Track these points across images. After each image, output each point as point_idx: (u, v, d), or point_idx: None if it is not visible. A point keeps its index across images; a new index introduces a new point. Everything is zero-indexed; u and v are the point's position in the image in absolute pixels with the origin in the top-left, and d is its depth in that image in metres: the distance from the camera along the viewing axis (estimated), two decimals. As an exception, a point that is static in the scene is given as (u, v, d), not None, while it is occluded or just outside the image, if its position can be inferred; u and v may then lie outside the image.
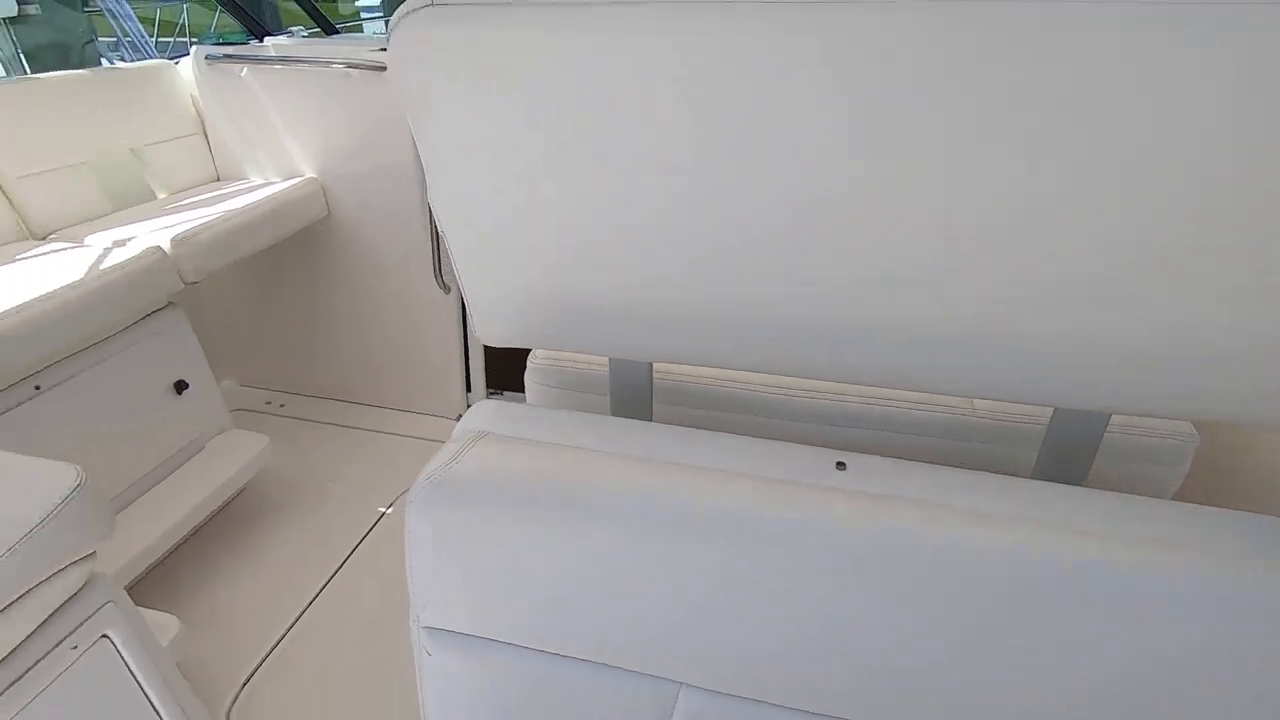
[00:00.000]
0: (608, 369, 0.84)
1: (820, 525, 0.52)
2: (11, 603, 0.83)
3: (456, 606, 0.63)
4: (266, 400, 2.52)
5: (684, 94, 0.50)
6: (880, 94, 0.46)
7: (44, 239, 1.81)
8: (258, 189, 2.14)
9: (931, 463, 0.62)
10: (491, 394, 2.47)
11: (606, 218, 0.58)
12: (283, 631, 1.64)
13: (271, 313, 2.43)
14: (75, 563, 0.90)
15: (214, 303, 2.47)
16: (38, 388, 1.46)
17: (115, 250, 1.66)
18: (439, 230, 0.67)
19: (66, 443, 1.52)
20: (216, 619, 1.67)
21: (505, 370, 2.49)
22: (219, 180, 2.32)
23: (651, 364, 0.74)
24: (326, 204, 2.23)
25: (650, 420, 0.76)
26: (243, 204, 1.97)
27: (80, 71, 1.97)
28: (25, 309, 1.38)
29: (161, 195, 2.18)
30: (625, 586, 0.57)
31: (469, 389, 2.43)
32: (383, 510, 2.02)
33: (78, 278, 1.51)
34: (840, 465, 0.59)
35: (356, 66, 2.00)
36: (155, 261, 1.66)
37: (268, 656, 1.57)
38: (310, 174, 2.22)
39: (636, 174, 0.55)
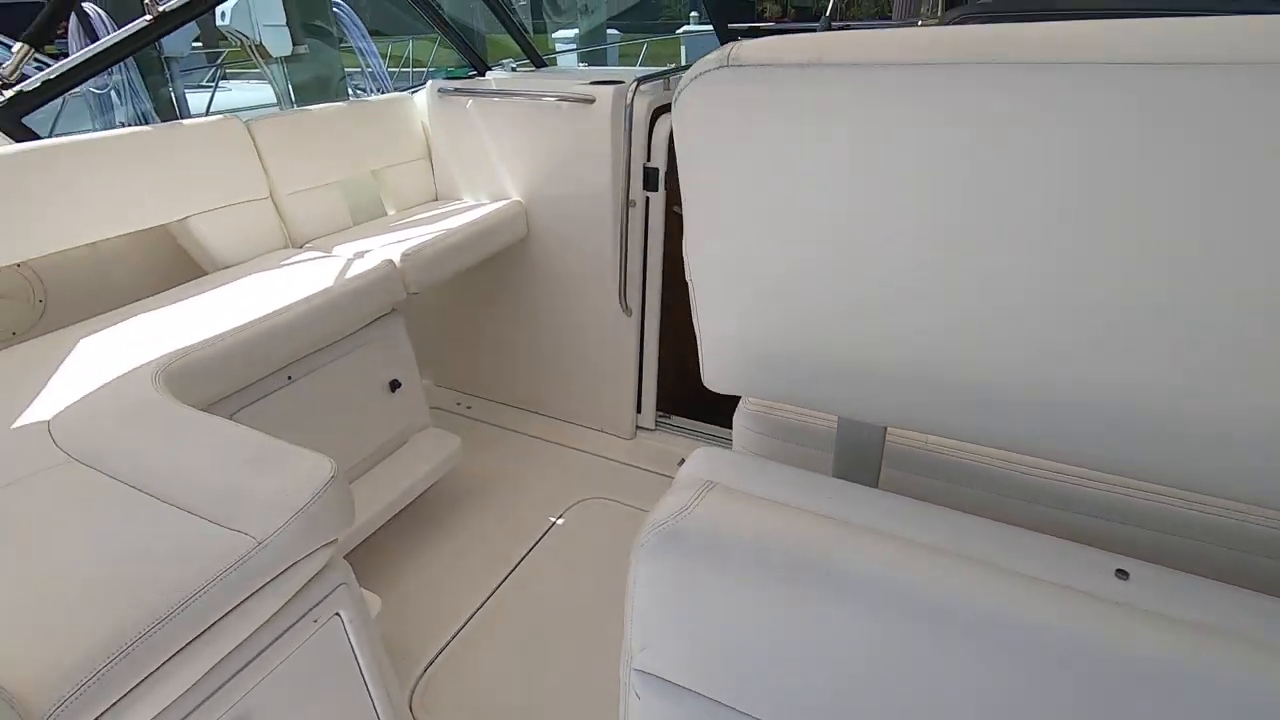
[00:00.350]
0: (830, 424, 0.81)
1: (1110, 644, 0.46)
2: (277, 575, 0.96)
3: (673, 656, 0.63)
4: (456, 400, 2.74)
5: (955, 158, 0.48)
6: (1174, 160, 0.41)
7: (301, 247, 2.11)
8: (470, 209, 2.35)
9: (1233, 582, 0.53)
10: (660, 418, 2.51)
11: (867, 276, 0.56)
12: (461, 623, 1.76)
13: (467, 320, 2.65)
14: (325, 545, 1.03)
15: (419, 308, 2.74)
16: (290, 378, 1.69)
17: (356, 261, 1.89)
18: (690, 277, 0.68)
19: (307, 428, 1.75)
20: (405, 602, 1.83)
21: (675, 396, 2.53)
22: (437, 199, 2.58)
23: (885, 428, 0.71)
24: (527, 225, 2.40)
25: (876, 486, 0.72)
26: (458, 223, 2.16)
27: (339, 104, 2.27)
28: (290, 309, 1.61)
29: (391, 212, 2.46)
30: (861, 671, 0.54)
31: (639, 409, 2.48)
32: (553, 520, 2.12)
33: (328, 284, 1.73)
34: (1121, 573, 0.52)
35: (567, 100, 2.13)
36: (387, 274, 1.86)
37: (448, 644, 1.70)
38: (515, 197, 2.40)
39: (898, 234, 0.53)
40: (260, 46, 4.27)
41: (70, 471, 1.08)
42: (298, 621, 1.04)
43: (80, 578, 0.88)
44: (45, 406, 1.29)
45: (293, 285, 1.75)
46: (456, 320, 2.68)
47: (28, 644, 0.79)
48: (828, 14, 2.86)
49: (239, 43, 4.36)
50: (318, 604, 1.06)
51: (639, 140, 2.14)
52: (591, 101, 2.11)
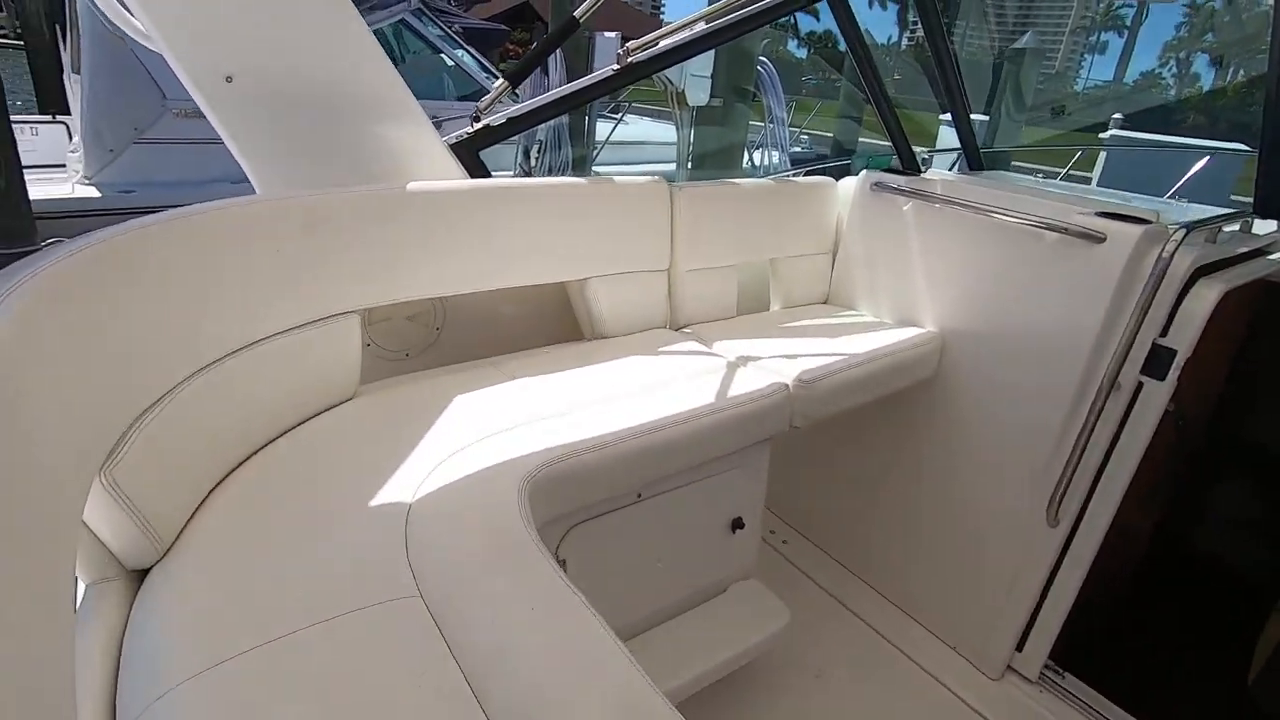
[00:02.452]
0: None
1: None
2: None
3: None
4: (772, 528, 2.32)
5: None
6: None
7: (680, 329, 1.87)
8: (870, 329, 1.92)
9: None
10: (1048, 669, 1.80)
11: None
12: None
13: (825, 451, 2.21)
14: None
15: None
16: (639, 496, 1.41)
17: (742, 371, 1.57)
18: None
19: (635, 553, 1.45)
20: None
21: (1078, 646, 1.79)
22: (828, 303, 2.20)
23: None
24: (938, 364, 1.89)
25: None
26: (859, 347, 1.74)
27: (764, 181, 2.01)
28: (672, 425, 1.32)
29: (776, 306, 2.14)
30: None
31: (1020, 647, 1.80)
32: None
33: (711, 399, 1.42)
34: None
35: (1059, 229, 1.58)
36: (779, 402, 1.50)
37: None
38: (930, 327, 1.90)
39: None
40: (682, 95, 4.43)
41: (415, 618, 0.86)
42: None
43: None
44: (409, 480, 1.13)
45: (675, 386, 1.48)
46: (816, 448, 2.25)
47: None
48: None
49: (663, 85, 4.59)
50: None
51: (1161, 306, 1.51)
52: (1100, 240, 1.54)
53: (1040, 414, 1.67)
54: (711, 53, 4.36)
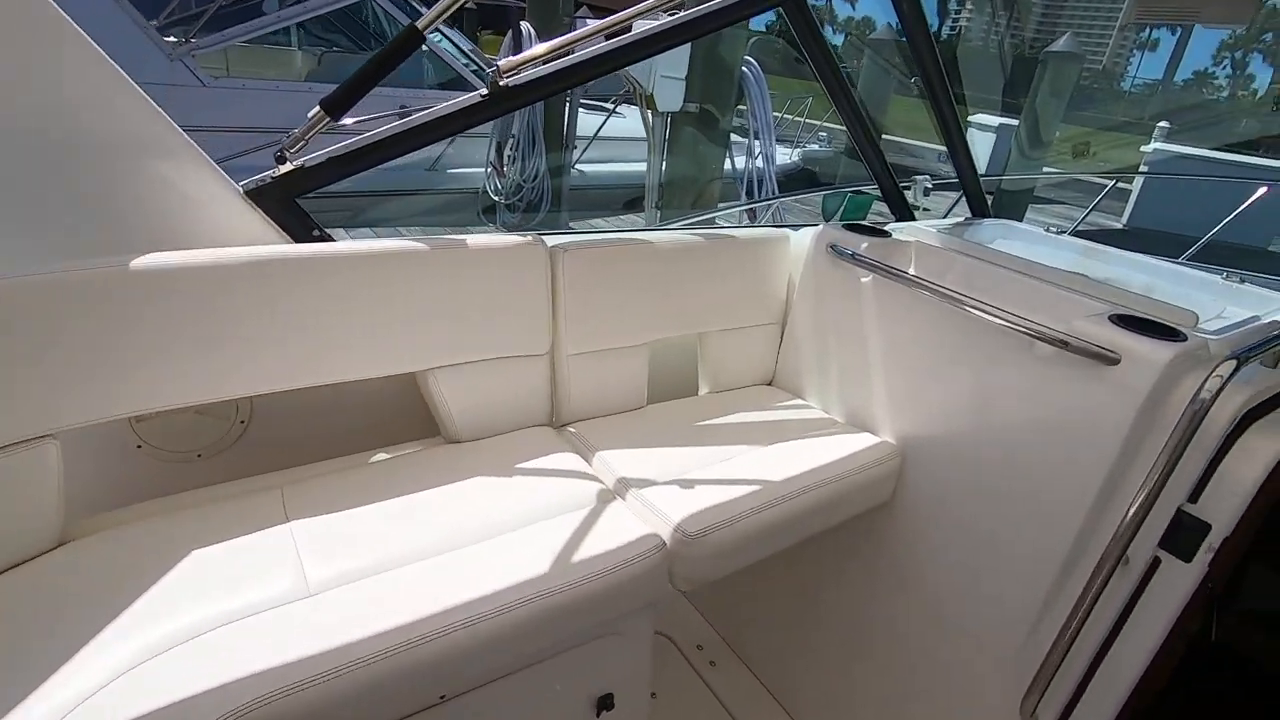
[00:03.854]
0: None
1: None
2: None
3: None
4: (700, 641, 1.91)
5: None
6: None
7: (561, 429, 1.47)
8: (813, 431, 1.50)
9: None
10: None
11: None
12: None
13: (766, 565, 1.80)
14: None
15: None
16: (443, 697, 1.02)
17: (612, 512, 1.17)
18: None
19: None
20: None
21: None
22: (772, 385, 1.78)
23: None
24: (896, 486, 1.47)
25: None
26: (792, 470, 1.33)
27: (683, 236, 1.59)
28: (481, 618, 0.94)
29: (704, 390, 1.73)
30: None
31: None
32: None
33: (553, 570, 1.03)
34: None
35: (1053, 341, 1.15)
36: (650, 566, 1.10)
37: None
38: (888, 436, 1.48)
39: None
40: (650, 98, 3.93)
41: None
42: None
43: None
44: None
45: (515, 538, 1.10)
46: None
47: None
48: None
49: (630, 87, 4.09)
50: None
51: (1193, 461, 1.08)
52: (1113, 362, 1.11)
53: (1021, 576, 1.25)
54: (686, 50, 3.86)
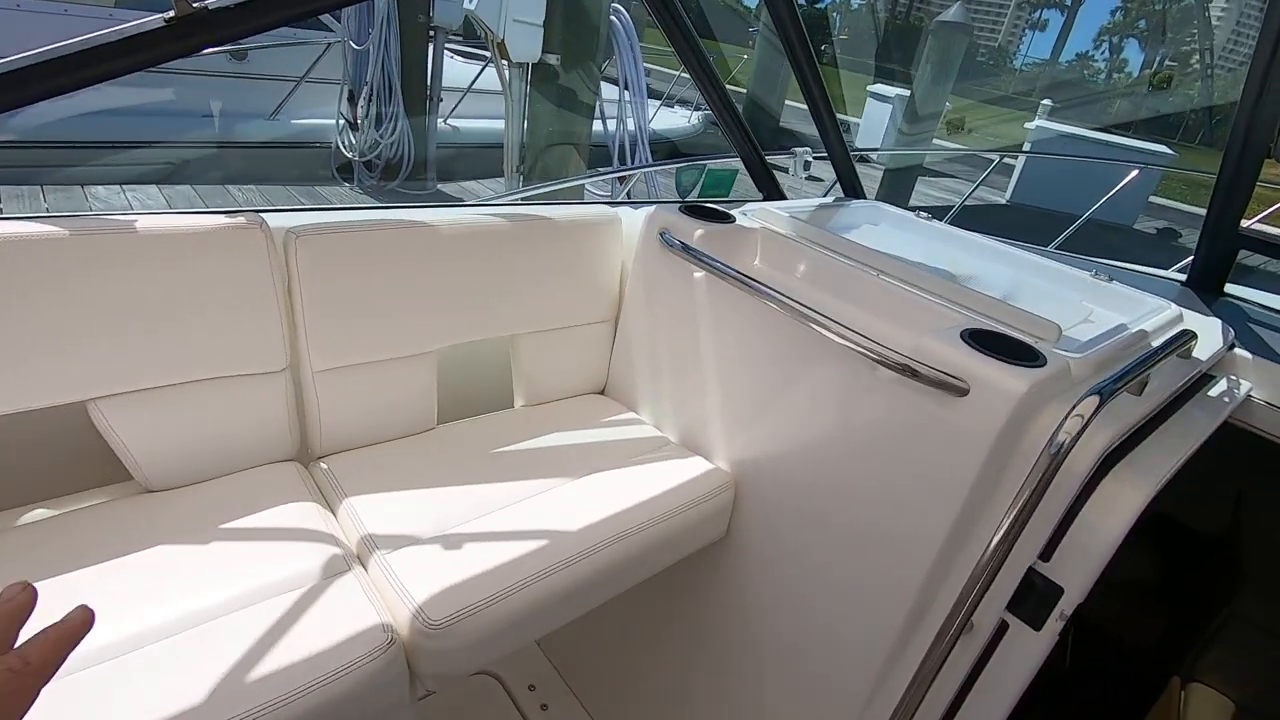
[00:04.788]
0: None
1: None
2: None
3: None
4: (544, 703, 1.64)
5: None
6: None
7: (319, 459, 1.15)
8: (636, 458, 1.26)
9: None
10: None
11: None
12: None
13: (603, 620, 1.56)
14: None
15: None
16: None
17: (335, 595, 0.88)
18: None
19: None
20: None
21: None
22: (604, 394, 1.52)
23: None
24: (729, 522, 1.25)
25: None
26: (596, 515, 1.08)
27: (494, 217, 1.28)
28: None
29: (519, 404, 1.44)
30: None
31: None
32: None
33: (294, 640, 0.74)
34: None
35: (896, 367, 0.94)
36: (375, 669, 0.82)
37: None
38: (721, 463, 1.26)
39: None
40: (503, 45, 3.43)
41: None
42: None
43: None
44: None
45: (227, 624, 0.79)
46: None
47: None
48: None
49: (481, 33, 3.57)
50: None
51: (1050, 510, 0.90)
52: (963, 392, 0.91)
53: (866, 623, 1.06)
54: (544, -8, 3.42)
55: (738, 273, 1.12)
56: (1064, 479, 0.88)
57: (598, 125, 4.01)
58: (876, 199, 1.85)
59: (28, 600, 0.35)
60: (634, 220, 1.40)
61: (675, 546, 1.18)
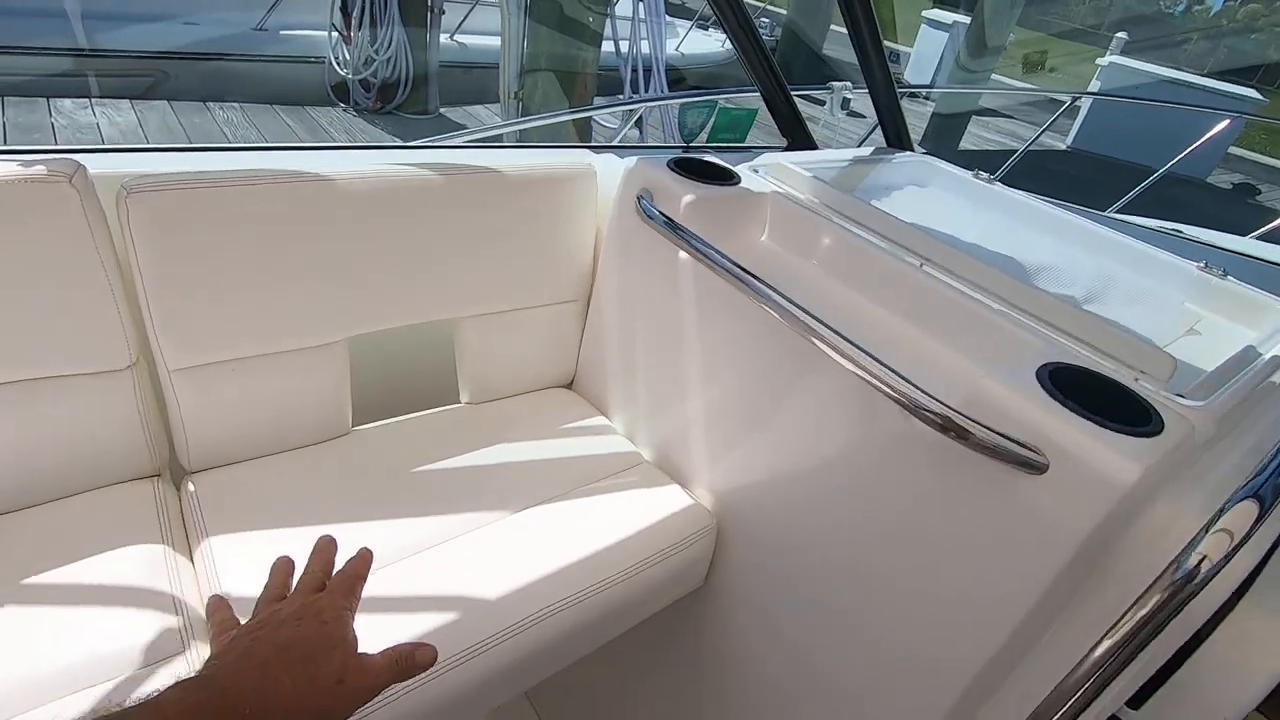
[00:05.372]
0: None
1: None
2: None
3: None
4: None
5: None
6: None
7: (192, 474, 0.91)
8: (609, 478, 1.00)
9: None
10: None
11: None
12: None
13: (580, 678, 1.34)
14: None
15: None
16: None
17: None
18: None
19: None
20: None
21: None
22: (572, 388, 1.25)
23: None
24: (709, 571, 1.00)
25: None
26: (522, 578, 0.84)
27: (425, 167, 0.98)
28: None
29: (464, 399, 1.18)
30: None
31: None
32: None
33: None
34: None
35: (939, 424, 0.65)
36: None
37: None
38: (702, 498, 1.00)
39: None
40: None
41: None
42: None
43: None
44: None
45: None
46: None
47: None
48: None
49: None
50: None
51: (1154, 649, 0.62)
52: (1038, 470, 0.62)
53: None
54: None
55: (731, 263, 0.83)
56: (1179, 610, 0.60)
57: (610, 46, 3.53)
58: (922, 141, 1.50)
59: (335, 549, 0.57)
60: (613, 173, 1.09)
61: (643, 605, 0.94)
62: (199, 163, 0.84)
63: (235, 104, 4.21)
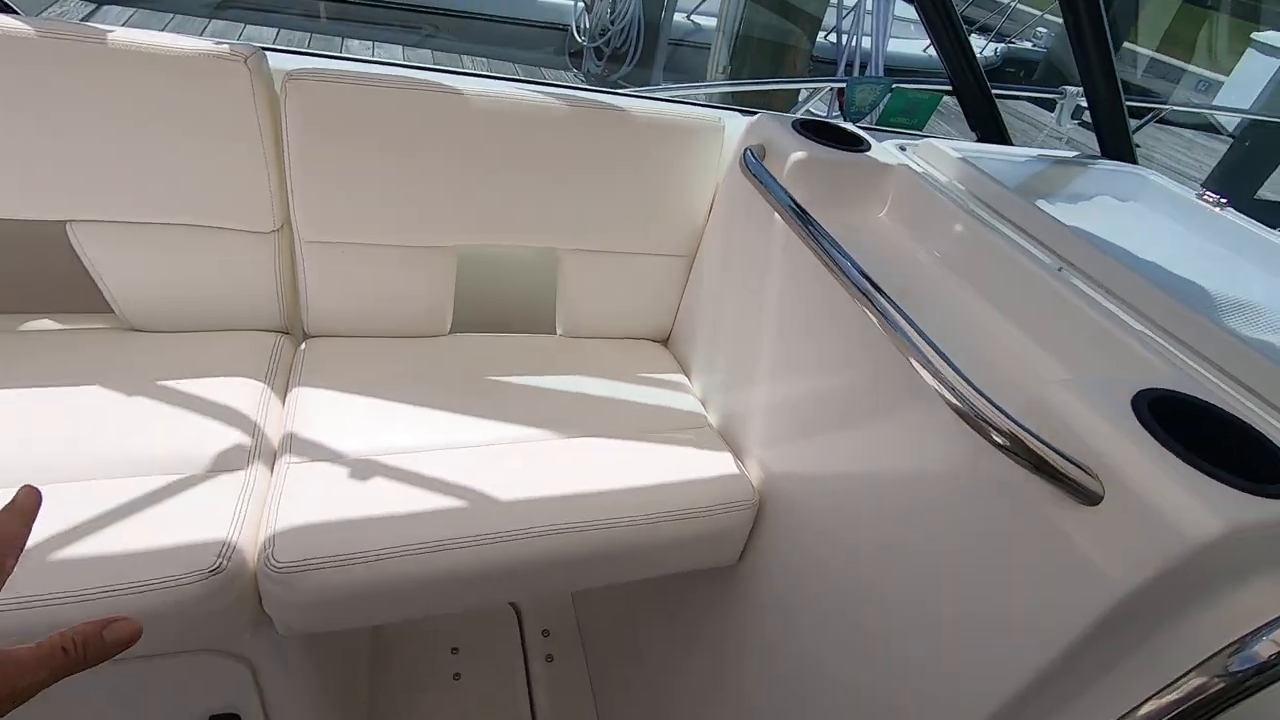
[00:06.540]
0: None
1: None
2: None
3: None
4: (549, 654, 1.52)
5: None
6: None
7: (308, 338, 1.05)
8: (663, 433, 0.99)
9: None
10: None
11: None
12: None
13: (626, 609, 1.36)
14: None
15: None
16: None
17: (189, 516, 0.76)
18: None
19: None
20: None
21: None
22: (667, 344, 1.24)
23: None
24: (744, 547, 0.95)
25: None
26: (572, 497, 0.86)
27: (558, 99, 1.03)
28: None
29: (560, 331, 1.22)
30: None
31: None
32: None
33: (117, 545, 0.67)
34: None
35: (991, 434, 0.55)
36: (197, 597, 0.70)
37: None
38: (750, 468, 0.95)
39: None
40: None
41: None
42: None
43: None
44: None
45: (93, 485, 0.74)
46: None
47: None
48: None
49: None
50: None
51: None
52: (1093, 500, 0.51)
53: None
54: None
55: (819, 232, 0.76)
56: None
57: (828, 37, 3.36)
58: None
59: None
60: (737, 131, 1.06)
61: (674, 554, 0.91)
62: (358, 67, 0.95)
63: (483, 59, 4.75)
